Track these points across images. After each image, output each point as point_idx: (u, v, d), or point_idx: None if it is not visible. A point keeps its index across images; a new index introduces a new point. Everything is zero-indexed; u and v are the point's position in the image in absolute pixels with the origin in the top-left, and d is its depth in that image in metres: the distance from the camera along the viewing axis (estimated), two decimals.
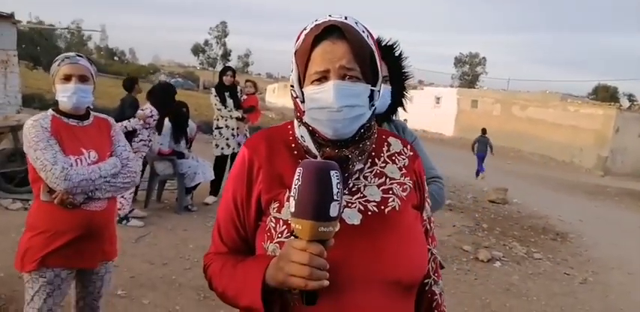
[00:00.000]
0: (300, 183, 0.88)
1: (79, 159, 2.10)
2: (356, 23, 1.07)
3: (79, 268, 2.22)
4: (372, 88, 1.08)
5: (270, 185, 1.10)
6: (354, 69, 1.04)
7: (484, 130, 16.13)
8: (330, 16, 1.08)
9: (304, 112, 1.10)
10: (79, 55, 2.22)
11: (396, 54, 2.04)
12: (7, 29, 7.63)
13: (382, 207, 1.09)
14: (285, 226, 1.05)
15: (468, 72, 65.64)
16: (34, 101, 13.33)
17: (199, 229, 5.40)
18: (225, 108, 6.55)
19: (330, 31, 1.04)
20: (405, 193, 1.14)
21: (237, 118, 6.60)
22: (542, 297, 4.77)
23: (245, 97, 7.02)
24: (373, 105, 1.10)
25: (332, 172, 0.88)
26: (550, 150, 23.98)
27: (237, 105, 6.65)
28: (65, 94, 2.12)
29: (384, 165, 1.16)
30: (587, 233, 7.94)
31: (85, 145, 2.15)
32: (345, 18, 1.07)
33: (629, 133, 22.32)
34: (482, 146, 15.13)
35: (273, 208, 1.08)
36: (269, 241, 1.06)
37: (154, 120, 5.45)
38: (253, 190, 1.11)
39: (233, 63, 67.99)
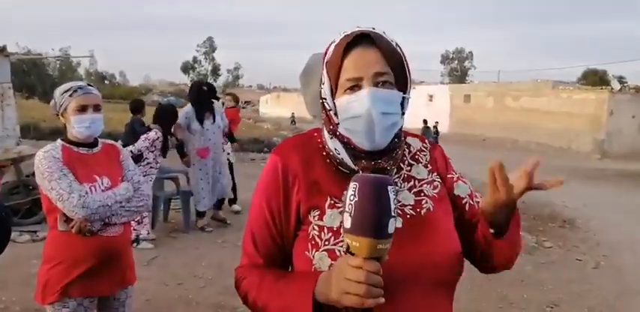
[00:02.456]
0: (356, 199, 0.85)
1: (93, 186, 2.13)
2: (384, 33, 1.09)
3: (100, 296, 2.23)
4: (404, 95, 1.08)
5: (309, 194, 1.09)
6: (388, 73, 1.05)
7: (425, 121, 20.35)
8: (358, 27, 1.08)
9: (337, 124, 1.09)
10: (89, 85, 2.24)
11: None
12: (0, 62, 7.64)
13: (418, 209, 1.11)
14: (330, 234, 1.05)
15: (457, 68, 65.91)
16: (29, 131, 13.29)
17: (210, 246, 5.41)
18: None
19: (361, 39, 1.05)
20: (435, 191, 1.15)
21: None
22: (557, 285, 4.79)
23: (224, 111, 6.76)
24: (404, 113, 1.10)
25: (389, 188, 0.86)
26: (546, 138, 24.06)
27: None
28: (83, 125, 2.14)
29: (409, 168, 1.17)
30: (593, 217, 7.97)
31: (98, 172, 2.17)
32: (373, 28, 1.08)
33: (622, 115, 22.40)
34: (426, 135, 17.41)
35: (314, 216, 1.07)
36: (314, 250, 1.05)
37: (160, 142, 5.41)
38: (291, 199, 1.10)
39: (223, 77, 68.27)
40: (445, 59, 66.86)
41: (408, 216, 1.09)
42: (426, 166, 1.18)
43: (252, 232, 1.16)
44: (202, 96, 5.78)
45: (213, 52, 68.48)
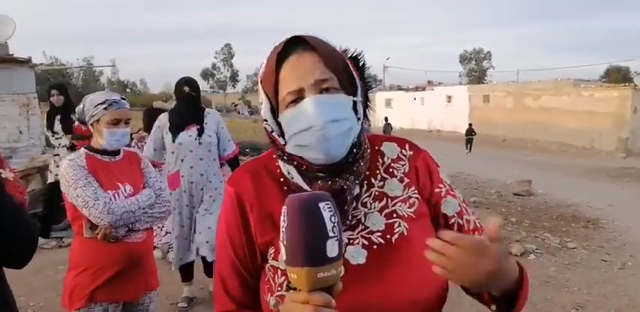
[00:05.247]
0: (286, 224, 0.74)
1: (116, 193, 2.19)
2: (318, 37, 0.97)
3: (125, 301, 2.27)
4: (354, 98, 0.96)
5: (263, 227, 0.98)
6: (331, 79, 0.92)
7: (387, 119, 23.35)
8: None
9: (284, 145, 0.97)
10: (122, 98, 2.31)
11: (360, 64, 2.00)
12: (26, 73, 7.78)
13: (388, 236, 0.97)
14: (284, 277, 0.93)
15: (475, 68, 65.41)
16: None
17: None
18: (53, 135, 5.61)
19: (294, 46, 0.93)
20: (412, 210, 1.00)
21: (67, 147, 5.40)
22: (582, 286, 4.71)
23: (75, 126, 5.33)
24: (360, 118, 0.98)
25: (321, 205, 0.74)
26: (568, 137, 23.72)
27: (68, 130, 5.43)
28: (114, 138, 2.22)
29: (382, 183, 1.01)
30: (618, 217, 7.82)
31: (120, 180, 2.24)
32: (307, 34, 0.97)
33: None
34: (387, 131, 20.13)
35: (270, 255, 0.97)
36: (269, 294, 0.95)
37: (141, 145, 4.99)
38: (252, 232, 0.99)
39: (242, 83, 68.88)
40: (464, 59, 66.42)
41: (376, 246, 0.96)
42: (401, 180, 1.02)
43: (221, 276, 1.03)
44: (180, 99, 3.88)
45: (232, 58, 69.24)
